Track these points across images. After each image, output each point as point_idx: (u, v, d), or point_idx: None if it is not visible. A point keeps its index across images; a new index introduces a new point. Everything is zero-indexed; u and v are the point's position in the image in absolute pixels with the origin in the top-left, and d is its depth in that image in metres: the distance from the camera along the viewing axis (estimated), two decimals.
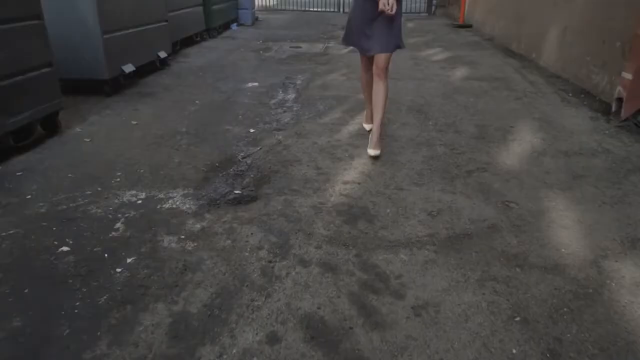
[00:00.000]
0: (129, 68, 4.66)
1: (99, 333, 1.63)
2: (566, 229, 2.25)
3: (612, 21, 4.13)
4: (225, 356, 1.53)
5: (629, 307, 1.74)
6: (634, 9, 3.67)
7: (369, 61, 3.15)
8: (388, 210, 2.43)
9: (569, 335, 1.60)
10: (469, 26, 9.62)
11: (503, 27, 7.58)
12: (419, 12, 12.65)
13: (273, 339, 1.60)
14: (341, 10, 12.49)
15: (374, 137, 3.11)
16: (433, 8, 12.70)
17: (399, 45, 3.06)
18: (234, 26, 9.49)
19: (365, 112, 3.64)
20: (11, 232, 2.24)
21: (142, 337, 1.61)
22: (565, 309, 1.72)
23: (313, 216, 2.39)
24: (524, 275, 1.91)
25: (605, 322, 1.66)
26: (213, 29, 8.21)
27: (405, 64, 5.96)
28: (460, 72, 5.61)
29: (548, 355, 1.52)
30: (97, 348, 1.57)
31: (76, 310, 1.74)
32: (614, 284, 1.86)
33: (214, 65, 6.02)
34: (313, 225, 2.30)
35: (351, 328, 1.65)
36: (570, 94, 4.57)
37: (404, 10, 3.22)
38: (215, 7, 8.13)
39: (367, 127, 3.55)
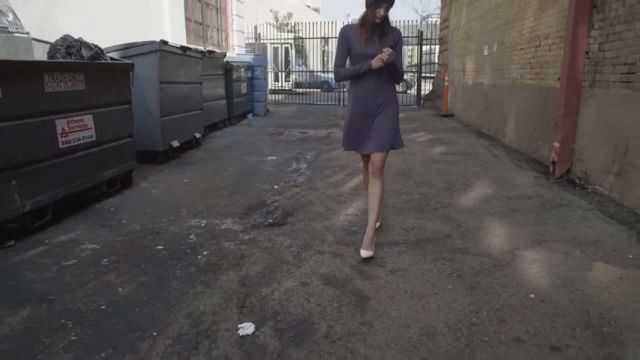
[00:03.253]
0: (175, 143, 5.95)
1: (195, 283, 2.66)
2: (496, 236, 3.32)
3: (548, 106, 5.45)
4: (276, 291, 2.55)
5: (525, 270, 2.77)
6: (559, 97, 4.99)
7: (368, 160, 3.15)
8: (378, 225, 3.51)
9: (484, 280, 2.63)
10: (451, 115, 11.19)
11: (477, 115, 9.06)
12: (410, 105, 14.43)
13: (304, 284, 2.63)
14: (341, 103, 14.26)
15: (367, 237, 2.99)
16: (422, 101, 14.51)
17: (393, 145, 3.10)
18: (249, 116, 11.07)
19: None
20: (120, 239, 3.31)
21: (224, 285, 2.64)
22: (485, 271, 2.76)
23: (325, 231, 3.46)
24: (462, 257, 2.96)
25: (508, 276, 2.70)
26: (234, 117, 9.73)
27: None
28: (438, 149, 6.90)
29: (470, 287, 2.54)
30: (197, 289, 2.59)
31: (177, 273, 2.77)
32: (519, 261, 2.90)
33: (239, 144, 7.36)
34: (325, 235, 3.38)
35: (352, 279, 2.68)
36: (523, 162, 5.80)
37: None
38: (235, 100, 9.72)
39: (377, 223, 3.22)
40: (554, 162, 4.94)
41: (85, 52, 3.75)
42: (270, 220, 3.73)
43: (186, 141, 6.50)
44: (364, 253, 2.94)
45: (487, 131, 8.22)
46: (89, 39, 4.13)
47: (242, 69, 10.32)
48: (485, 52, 8.52)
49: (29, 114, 3.21)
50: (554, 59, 5.36)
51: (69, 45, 3.78)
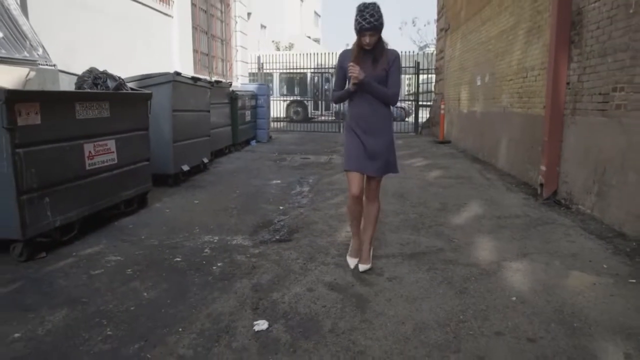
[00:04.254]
0: (185, 167, 6.30)
1: (212, 289, 2.96)
2: (485, 250, 3.64)
3: (536, 133, 5.83)
4: (285, 296, 2.85)
5: (509, 278, 3.08)
6: (544, 124, 5.38)
7: (362, 186, 3.15)
8: (375, 243, 3.82)
9: (472, 286, 2.94)
10: (448, 142, 11.60)
11: (471, 142, 9.46)
12: (408, 132, 14.89)
13: (310, 289, 2.93)
14: (340, 130, 14.70)
15: (364, 251, 3.21)
16: (419, 129, 14.97)
17: (389, 171, 3.21)
18: (253, 142, 11.48)
19: (351, 244, 3.41)
20: (140, 252, 3.62)
21: (238, 290, 2.94)
22: (472, 278, 3.07)
23: (328, 246, 3.78)
24: (453, 267, 3.27)
25: (494, 282, 3.00)
26: (238, 144, 10.12)
27: None
28: (434, 173, 7.26)
29: (459, 292, 2.85)
30: (214, 294, 2.89)
31: (196, 281, 3.08)
32: (504, 270, 3.21)
33: (244, 169, 7.72)
34: (328, 249, 3.69)
35: (353, 285, 2.99)
36: (514, 185, 6.15)
37: (395, 130, 3.21)
38: (240, 127, 10.13)
39: (352, 262, 3.30)
40: (541, 185, 5.29)
41: (110, 83, 4.14)
42: (277, 237, 4.05)
43: (195, 165, 6.85)
44: (362, 267, 3.22)
45: (481, 157, 8.60)
46: (107, 70, 4.53)
47: (247, 98, 10.77)
48: (478, 82, 8.98)
49: (62, 139, 3.57)
50: (540, 89, 5.77)
51: (96, 77, 4.17)
